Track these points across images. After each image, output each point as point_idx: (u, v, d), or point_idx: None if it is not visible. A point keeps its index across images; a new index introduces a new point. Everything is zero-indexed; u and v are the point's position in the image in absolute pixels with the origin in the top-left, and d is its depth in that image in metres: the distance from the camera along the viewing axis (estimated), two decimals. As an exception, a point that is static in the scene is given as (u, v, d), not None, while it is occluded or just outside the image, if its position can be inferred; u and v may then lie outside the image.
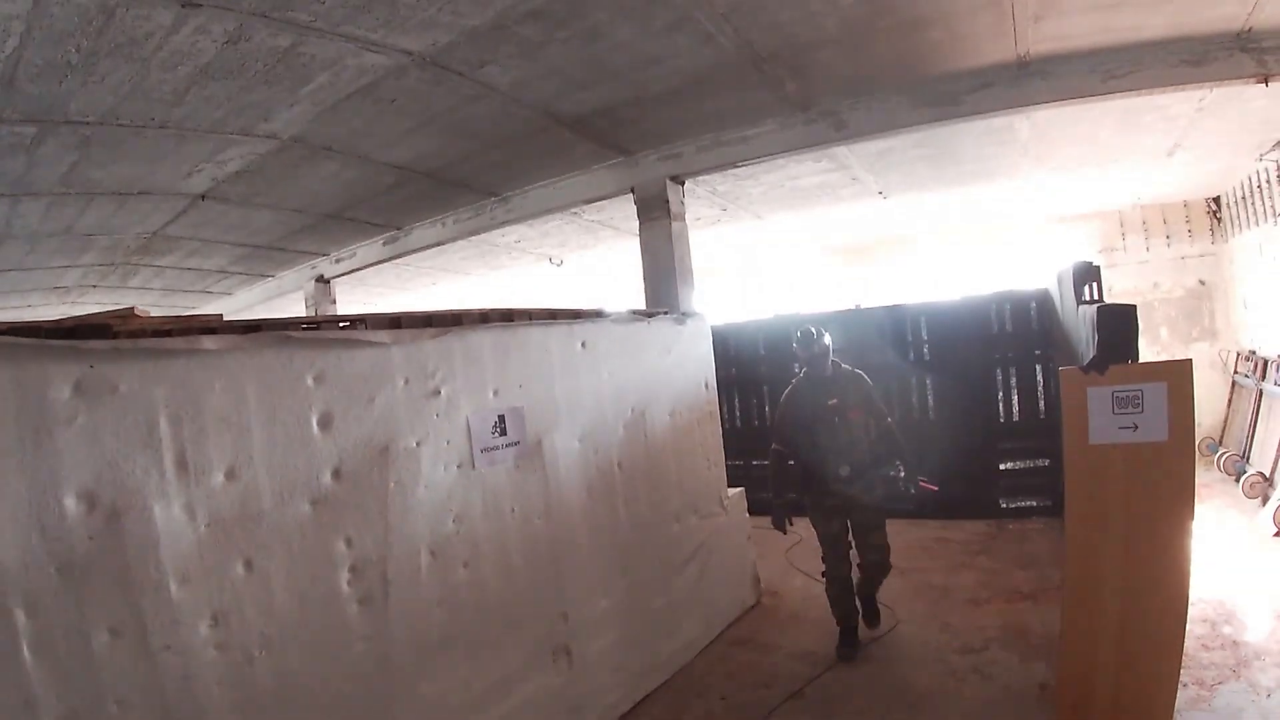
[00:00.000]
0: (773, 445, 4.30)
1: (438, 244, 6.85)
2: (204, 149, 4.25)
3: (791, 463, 4.25)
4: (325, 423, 2.53)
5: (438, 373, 2.93)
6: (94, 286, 7.34)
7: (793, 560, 5.70)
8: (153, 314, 2.30)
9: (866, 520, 4.16)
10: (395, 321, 2.89)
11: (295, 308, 8.52)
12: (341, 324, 2.79)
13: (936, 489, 4.65)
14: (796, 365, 4.59)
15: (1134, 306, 2.96)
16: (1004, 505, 6.60)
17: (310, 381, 2.50)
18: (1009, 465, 6.66)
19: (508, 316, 3.42)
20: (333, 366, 2.57)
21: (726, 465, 5.08)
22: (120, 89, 3.34)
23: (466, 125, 4.38)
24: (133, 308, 2.31)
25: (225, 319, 2.40)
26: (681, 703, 3.82)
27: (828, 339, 4.16)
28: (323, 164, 4.75)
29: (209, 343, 2.27)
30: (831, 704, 3.66)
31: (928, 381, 6.97)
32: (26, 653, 1.85)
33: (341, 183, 5.22)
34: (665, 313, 4.63)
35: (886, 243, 10.06)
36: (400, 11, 2.99)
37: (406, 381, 2.81)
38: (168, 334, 2.23)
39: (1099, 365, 2.89)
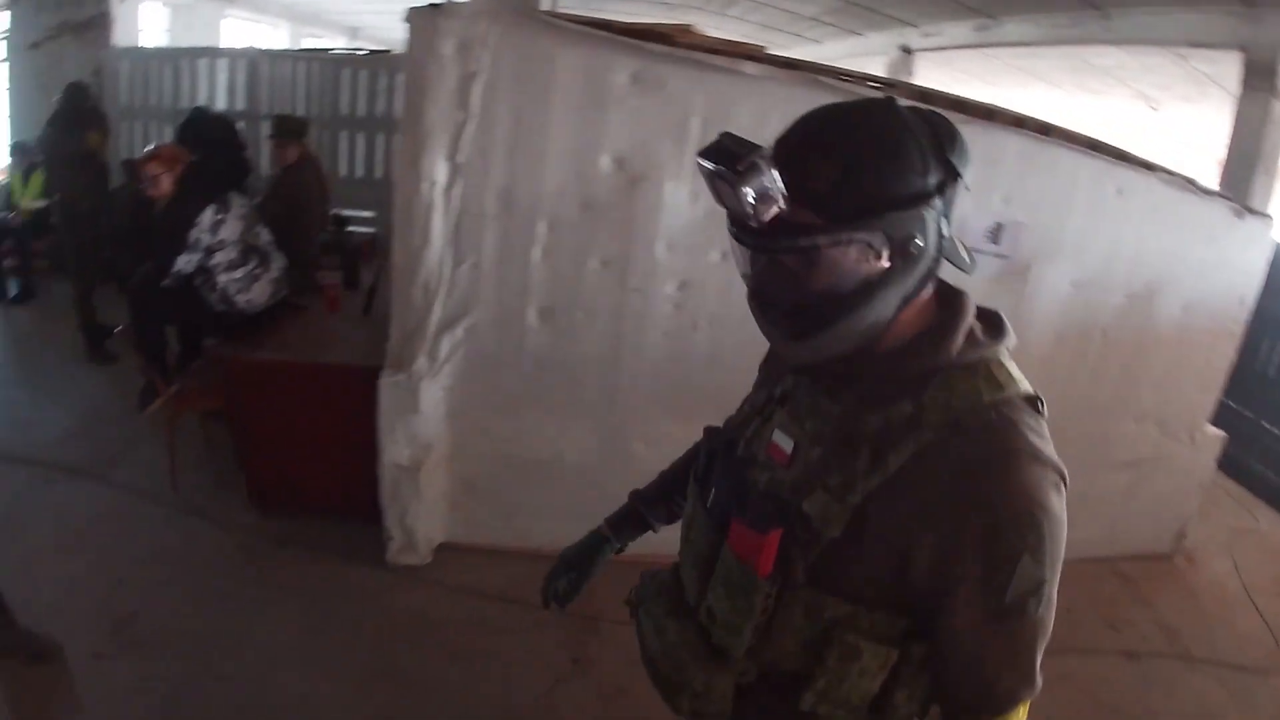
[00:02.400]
0: None
1: (1027, 44, 6.26)
2: None
3: None
4: None
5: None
6: (697, 9, 8.35)
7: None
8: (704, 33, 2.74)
9: None
10: (923, 95, 2.89)
11: (877, 70, 8.64)
12: (871, 83, 2.91)
13: None
14: None
15: None
16: None
17: None
18: None
19: (1043, 129, 3.14)
20: None
21: (1221, 404, 4.10)
22: None
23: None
24: (690, 25, 2.79)
25: (767, 51, 2.75)
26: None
27: None
28: None
29: (749, 68, 2.66)
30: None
31: None
32: (536, 254, 2.72)
33: None
34: (1225, 198, 3.70)
35: None
36: None
37: None
38: (717, 53, 2.67)
39: None
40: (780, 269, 0.84)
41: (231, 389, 3.20)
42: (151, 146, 3.52)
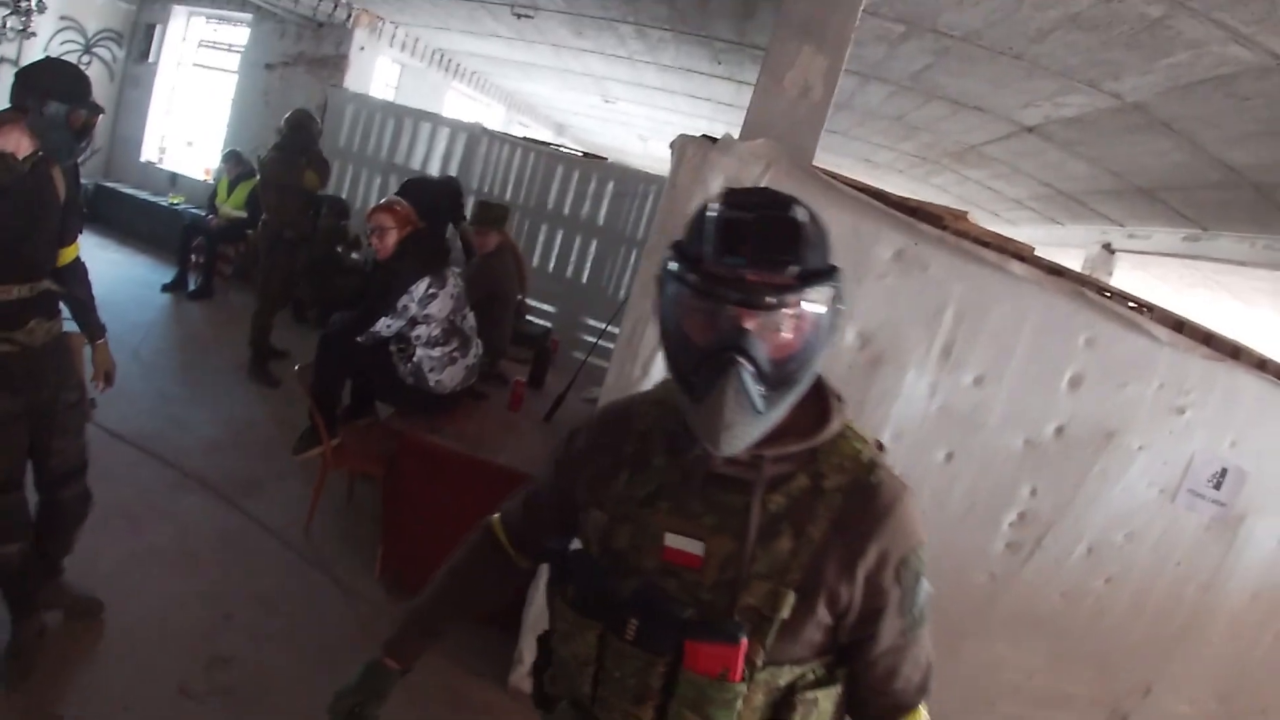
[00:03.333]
0: None
1: (1239, 262, 5.88)
2: (1048, 87, 4.38)
3: None
4: (1075, 382, 2.60)
5: (1191, 393, 2.69)
6: (900, 172, 8.34)
7: None
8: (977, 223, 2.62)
9: None
10: (1178, 325, 2.71)
11: (1071, 263, 8.32)
12: (1130, 303, 2.72)
13: None
14: None
15: None
16: None
17: (1081, 341, 2.57)
18: None
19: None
20: (1105, 337, 2.58)
21: None
22: (991, 15, 3.65)
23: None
24: (966, 212, 2.67)
25: (1034, 252, 2.58)
26: None
27: None
28: (1156, 138, 4.49)
29: (1016, 267, 2.50)
30: None
31: None
32: None
33: (1167, 162, 4.86)
34: None
35: None
36: (1277, 13, 2.70)
37: (1161, 386, 2.66)
38: (985, 245, 2.51)
39: None
40: (766, 331, 0.89)
41: (396, 464, 3.15)
42: (388, 198, 3.56)
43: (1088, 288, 2.59)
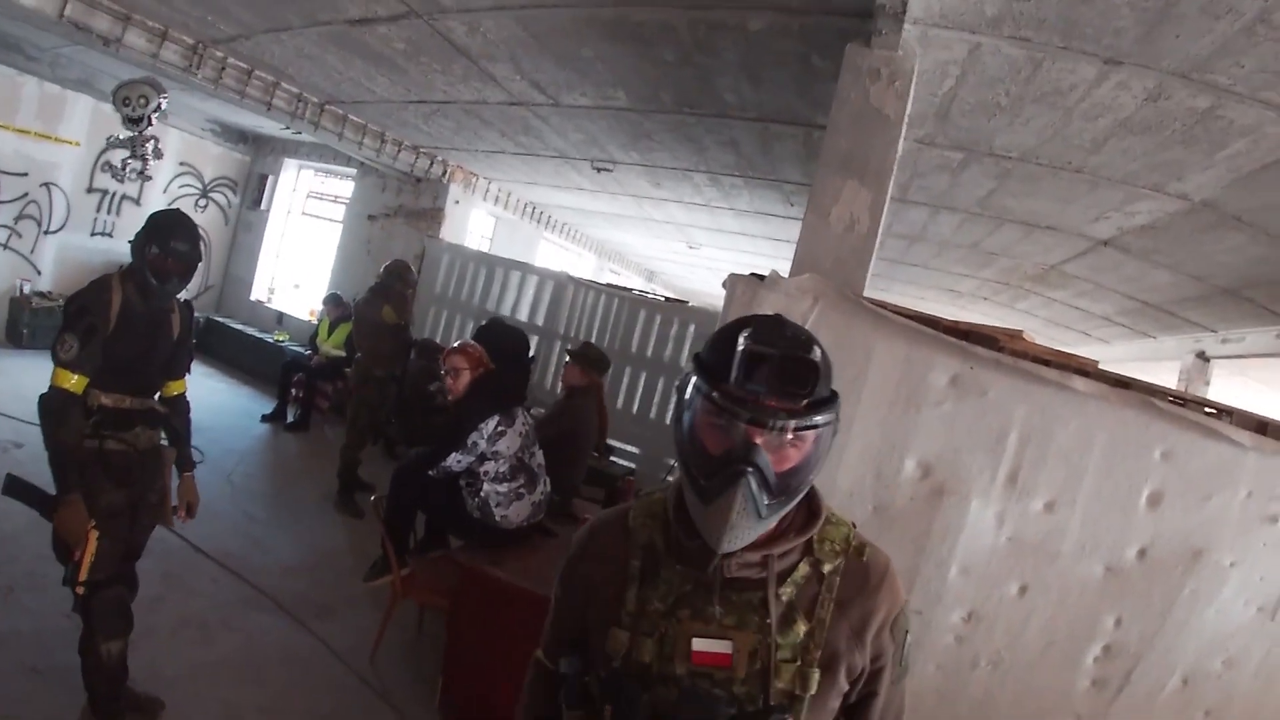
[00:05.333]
0: None
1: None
2: (1114, 197, 4.30)
3: None
4: (1154, 500, 2.42)
5: (1285, 498, 2.44)
6: (985, 299, 8.23)
7: None
8: (1035, 341, 2.55)
9: None
10: (1262, 426, 2.49)
11: (1167, 376, 7.97)
12: (1207, 409, 2.55)
13: None
14: None
15: None
16: None
17: (1157, 455, 2.40)
18: None
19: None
20: (1183, 448, 2.41)
21: None
22: (1043, 132, 3.63)
23: None
24: (1021, 331, 2.61)
25: (1099, 366, 2.48)
26: None
27: None
28: (1229, 234, 4.31)
29: (1079, 383, 2.39)
30: None
31: None
32: None
33: (1245, 258, 4.62)
34: None
35: None
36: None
37: (1249, 495, 2.44)
38: (1046, 363, 2.44)
39: None
40: (774, 447, 1.01)
41: (459, 595, 3.17)
42: (461, 341, 3.77)
43: (1158, 398, 2.45)
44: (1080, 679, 2.47)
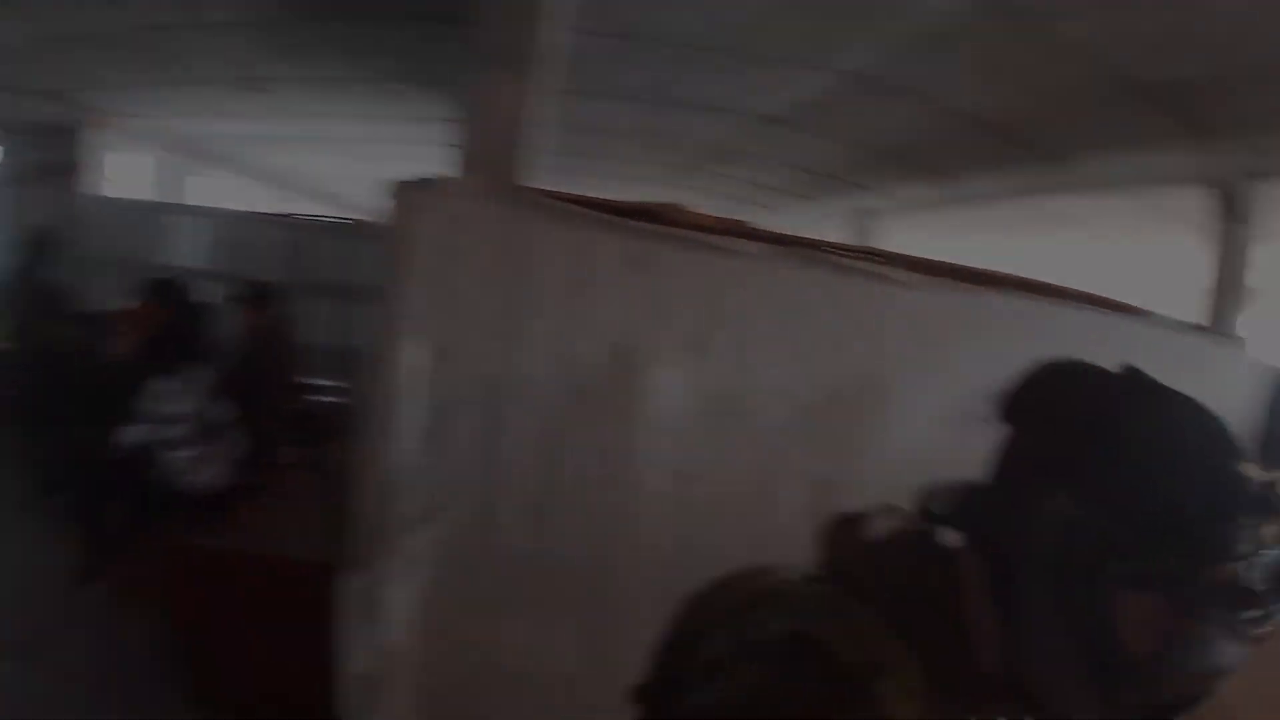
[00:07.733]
0: None
1: (986, 198, 6.58)
2: (778, 74, 4.68)
3: None
4: (832, 344, 2.67)
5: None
6: (663, 182, 8.52)
7: None
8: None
9: None
10: (916, 265, 2.85)
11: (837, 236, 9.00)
12: (868, 257, 2.86)
13: None
14: None
15: None
16: None
17: (826, 301, 2.63)
18: None
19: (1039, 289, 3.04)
20: (848, 292, 2.66)
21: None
22: (704, 13, 3.89)
23: (1033, 83, 4.26)
24: (678, 204, 2.73)
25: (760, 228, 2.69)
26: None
27: None
28: (890, 104, 4.88)
29: (740, 245, 2.58)
30: None
31: None
32: (520, 445, 2.47)
33: (904, 124, 5.28)
34: (1200, 327, 3.92)
35: None
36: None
37: (911, 324, 2.74)
38: (707, 230, 2.59)
39: None
40: None
41: (174, 580, 2.87)
42: (124, 302, 3.42)
43: (819, 249, 2.70)
44: (791, 518, 2.68)
